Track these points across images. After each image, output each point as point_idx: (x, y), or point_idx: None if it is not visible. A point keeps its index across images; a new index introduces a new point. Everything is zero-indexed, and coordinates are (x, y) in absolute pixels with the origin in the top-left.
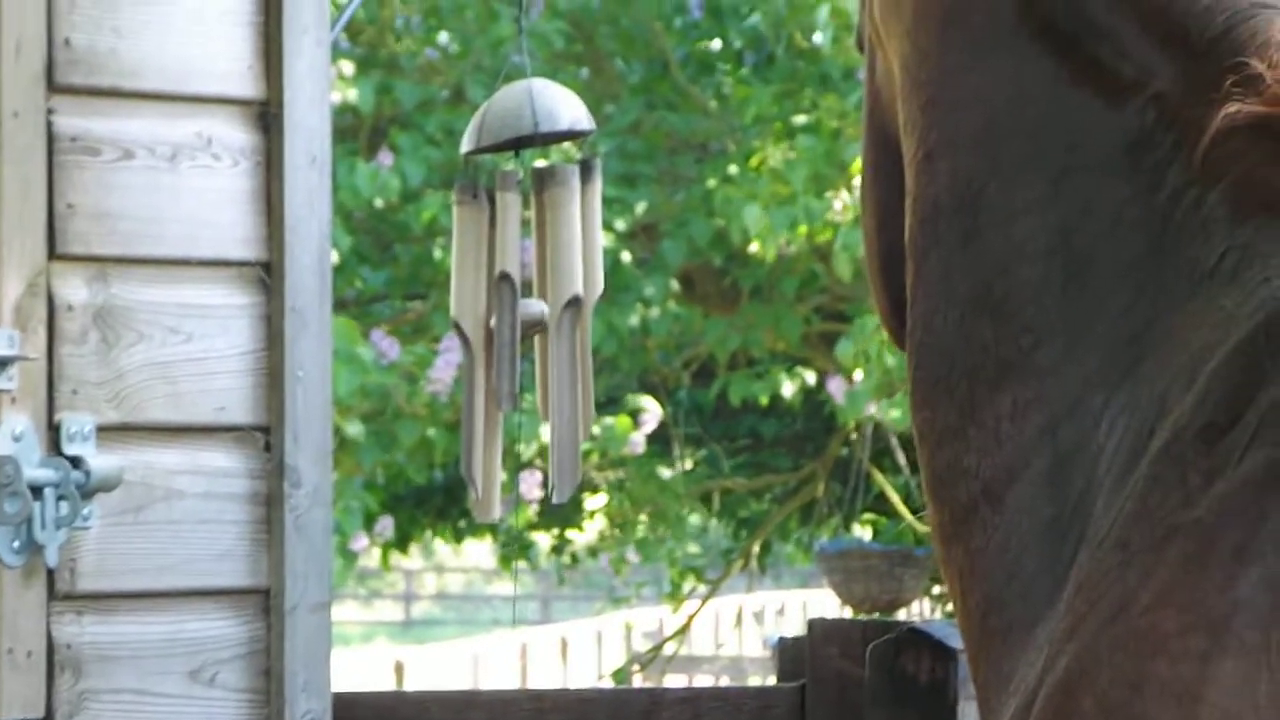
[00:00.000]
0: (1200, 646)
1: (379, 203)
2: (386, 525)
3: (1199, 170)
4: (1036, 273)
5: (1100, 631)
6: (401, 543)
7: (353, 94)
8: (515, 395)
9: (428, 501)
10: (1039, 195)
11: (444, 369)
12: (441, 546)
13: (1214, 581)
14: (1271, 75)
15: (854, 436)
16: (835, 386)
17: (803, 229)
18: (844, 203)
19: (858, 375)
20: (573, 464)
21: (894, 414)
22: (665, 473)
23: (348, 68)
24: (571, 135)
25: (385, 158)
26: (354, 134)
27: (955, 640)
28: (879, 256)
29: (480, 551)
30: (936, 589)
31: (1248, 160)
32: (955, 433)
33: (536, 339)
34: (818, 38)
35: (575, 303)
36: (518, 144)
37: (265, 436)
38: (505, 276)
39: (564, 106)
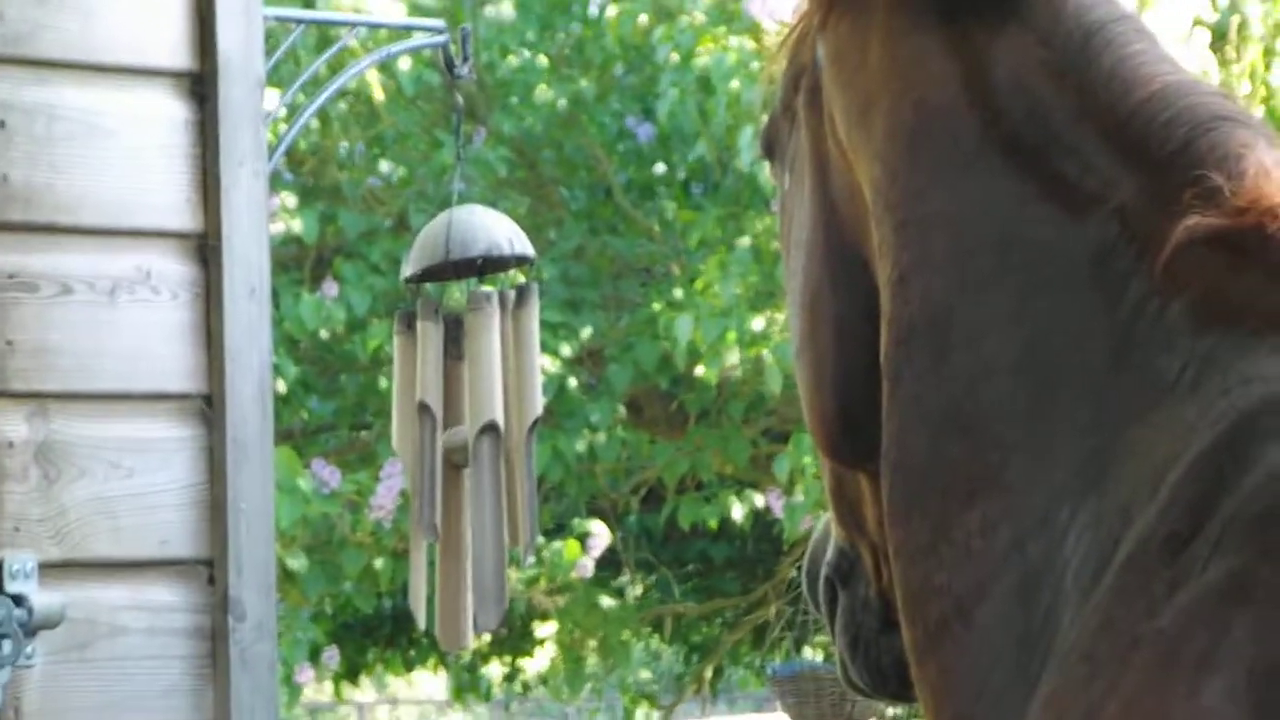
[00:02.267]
0: None
1: (324, 333)
2: (333, 656)
3: (1160, 282)
4: (1003, 389)
5: None
6: (351, 674)
7: (296, 224)
8: (436, 525)
9: (376, 631)
10: (1005, 312)
11: (386, 495)
12: (395, 678)
13: (1178, 692)
14: (1230, 187)
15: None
16: (775, 500)
17: (731, 336)
18: (778, 321)
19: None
20: (497, 591)
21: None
22: (608, 602)
23: (290, 199)
24: (491, 261)
25: (330, 288)
26: (298, 264)
27: None
28: (833, 374)
29: (432, 683)
30: (890, 710)
31: (1207, 272)
32: (927, 550)
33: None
34: (744, 158)
35: (493, 429)
36: (440, 272)
37: (209, 570)
38: (425, 407)
39: (482, 233)
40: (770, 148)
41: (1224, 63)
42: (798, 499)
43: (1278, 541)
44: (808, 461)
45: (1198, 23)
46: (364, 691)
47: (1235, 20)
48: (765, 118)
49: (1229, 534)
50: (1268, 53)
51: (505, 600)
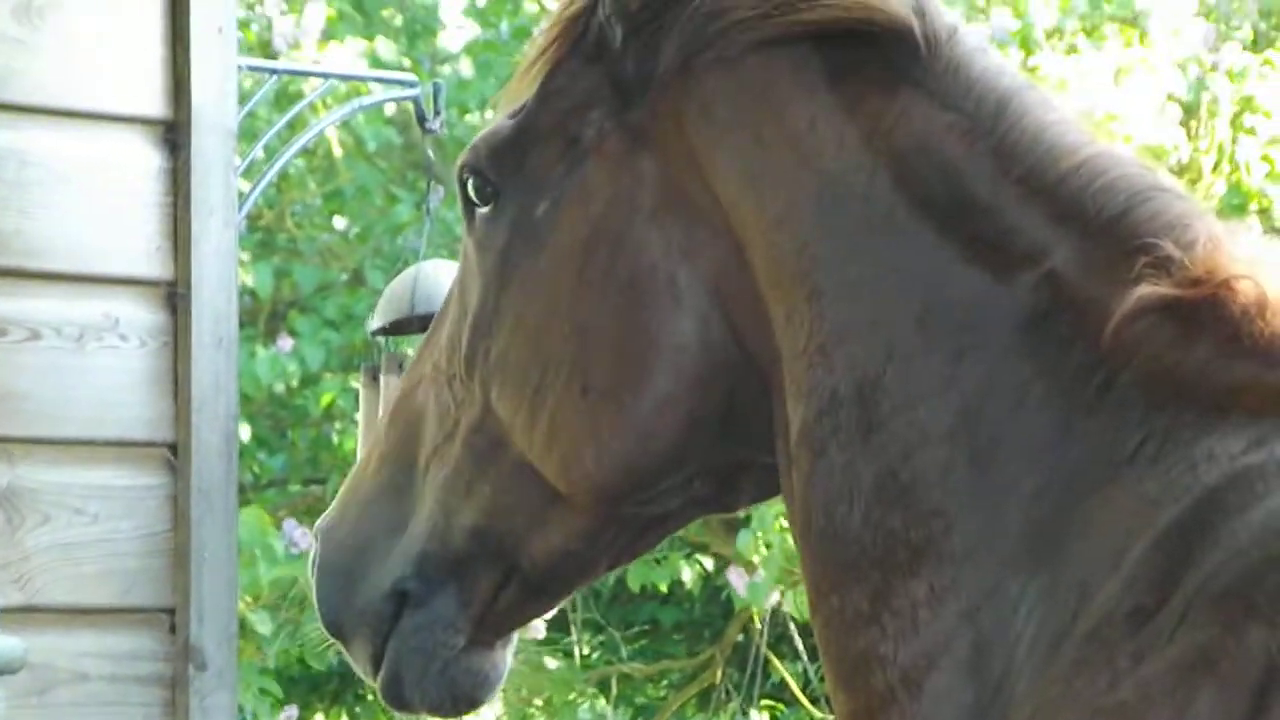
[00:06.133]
0: None
1: (277, 386)
2: (292, 714)
3: (1107, 350)
4: (941, 456)
5: None
6: None
7: (250, 278)
8: None
9: (323, 687)
10: (937, 378)
11: None
12: None
13: None
14: (1183, 257)
15: (753, 623)
16: (735, 577)
17: None
18: None
19: (757, 566)
20: None
21: (799, 601)
22: (552, 663)
23: (244, 253)
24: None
25: (285, 343)
26: (253, 318)
27: None
28: (672, 422)
29: None
30: None
31: (1156, 342)
32: (868, 620)
33: None
34: None
35: None
36: (405, 325)
37: (170, 618)
38: None
39: (448, 289)
40: (508, 159)
41: (1192, 137)
42: (759, 576)
43: (1242, 616)
44: (764, 535)
45: (1171, 99)
46: None
47: (1206, 97)
48: (497, 125)
49: (1194, 608)
50: (1235, 128)
51: None
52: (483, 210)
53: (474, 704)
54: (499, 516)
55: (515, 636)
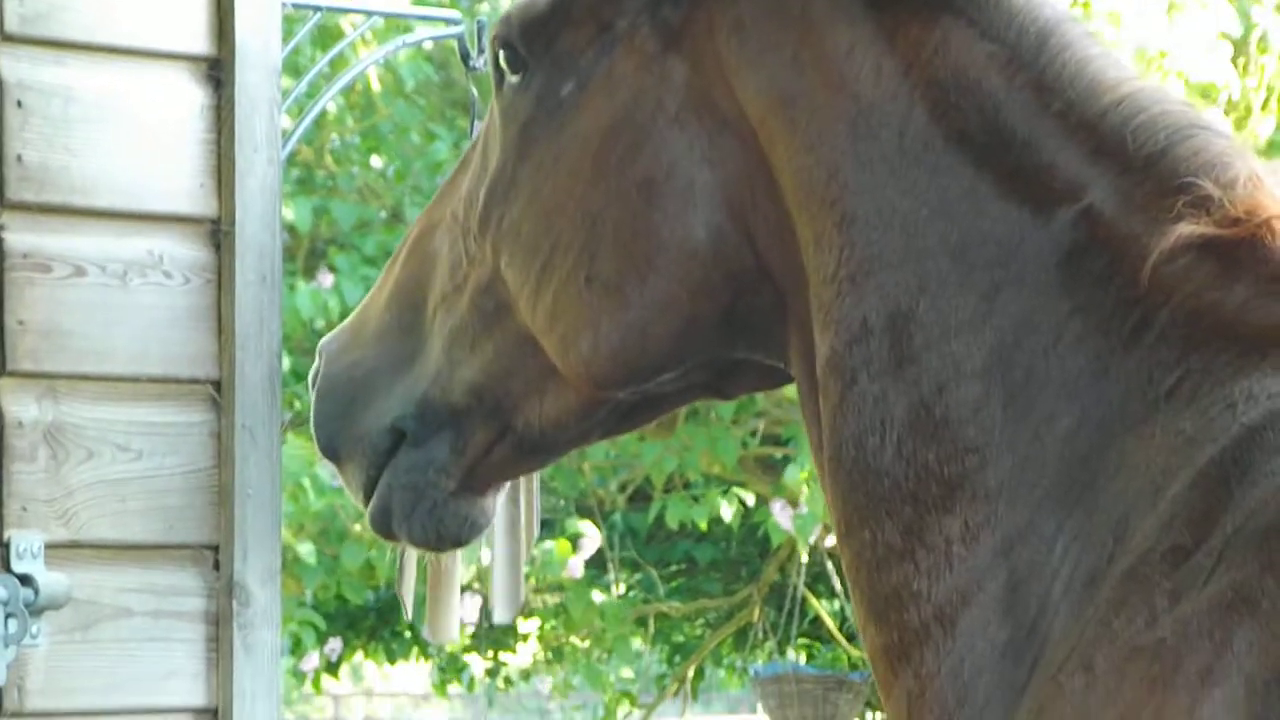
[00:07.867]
0: None
1: (318, 323)
2: (336, 646)
3: (1145, 288)
4: (975, 391)
5: None
6: (332, 666)
7: (289, 213)
8: None
9: (359, 623)
10: (972, 312)
11: None
12: (370, 671)
13: (1179, 703)
14: (1223, 196)
15: (790, 562)
16: (780, 511)
17: None
18: None
19: (801, 501)
20: (515, 585)
21: None
22: (598, 596)
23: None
24: None
25: (325, 279)
26: (291, 255)
27: None
28: (674, 322)
29: (408, 676)
30: (871, 714)
31: (1194, 281)
32: (901, 555)
33: None
34: None
35: None
36: None
37: (214, 555)
38: None
39: None
40: (540, 36)
41: (1242, 74)
42: (803, 509)
43: None
44: (810, 469)
45: (1223, 36)
46: (339, 683)
47: (1256, 34)
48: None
49: (1233, 547)
50: None
51: (522, 595)
52: (511, 79)
53: (459, 544)
54: (498, 378)
55: (508, 485)
